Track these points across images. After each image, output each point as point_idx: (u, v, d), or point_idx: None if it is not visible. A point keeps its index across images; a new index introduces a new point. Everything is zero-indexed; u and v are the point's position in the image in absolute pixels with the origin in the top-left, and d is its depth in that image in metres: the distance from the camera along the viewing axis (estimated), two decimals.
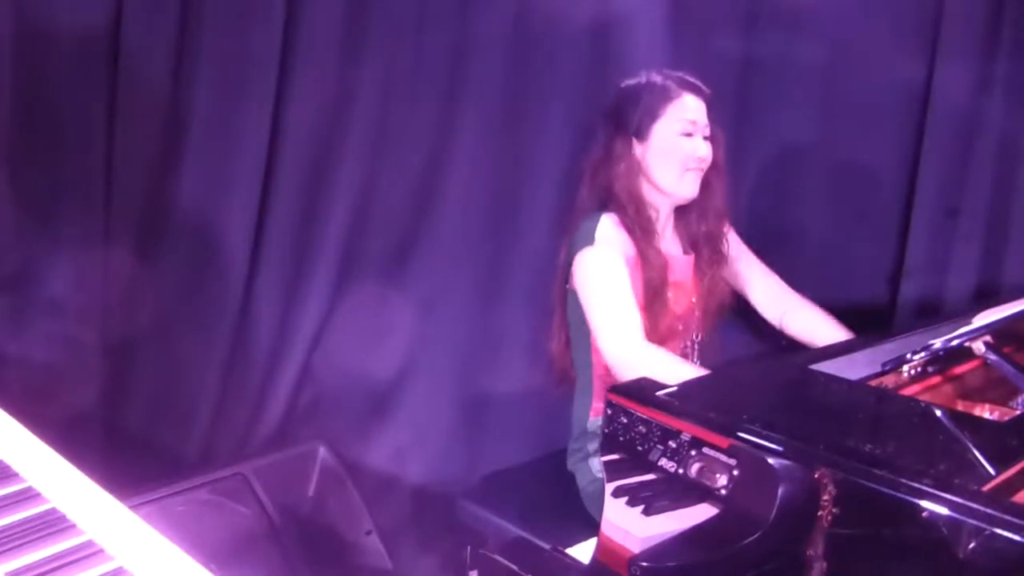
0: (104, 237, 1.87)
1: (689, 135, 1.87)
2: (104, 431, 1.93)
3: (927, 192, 2.32)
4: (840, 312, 2.48)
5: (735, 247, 2.06)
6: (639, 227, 1.86)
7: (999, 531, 1.01)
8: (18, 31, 1.70)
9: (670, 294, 1.89)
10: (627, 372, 1.71)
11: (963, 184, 2.30)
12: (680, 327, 1.94)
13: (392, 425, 2.32)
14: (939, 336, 1.55)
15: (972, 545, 1.03)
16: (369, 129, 2.13)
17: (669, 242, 1.97)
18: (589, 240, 1.83)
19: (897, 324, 2.32)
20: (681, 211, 1.98)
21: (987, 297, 2.18)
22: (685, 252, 1.99)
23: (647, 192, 1.91)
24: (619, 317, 1.78)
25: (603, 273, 1.82)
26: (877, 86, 2.33)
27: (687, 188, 1.89)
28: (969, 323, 1.59)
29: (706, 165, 1.90)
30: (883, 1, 2.30)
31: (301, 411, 2.22)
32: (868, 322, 2.41)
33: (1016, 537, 1.00)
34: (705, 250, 1.98)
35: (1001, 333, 1.62)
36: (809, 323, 2.03)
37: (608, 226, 1.85)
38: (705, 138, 1.89)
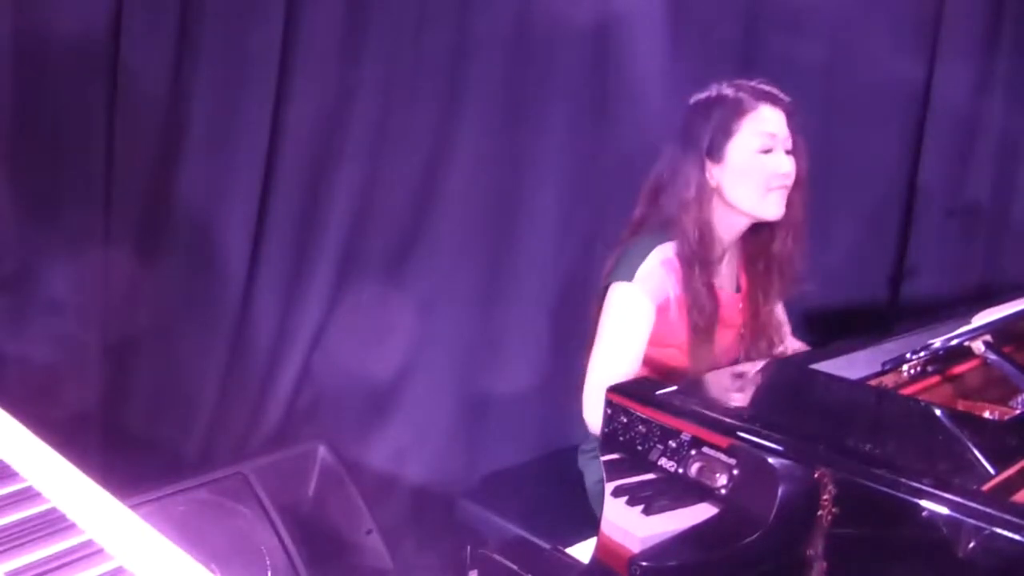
0: (104, 237, 1.87)
1: (769, 151, 1.71)
2: (104, 431, 1.93)
3: (927, 192, 2.32)
4: (840, 312, 2.48)
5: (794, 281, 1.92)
6: (698, 260, 1.72)
7: (999, 531, 1.01)
8: (18, 31, 1.70)
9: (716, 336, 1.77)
10: (592, 418, 1.69)
11: (963, 184, 2.30)
12: (722, 365, 1.84)
13: (392, 425, 2.32)
14: (939, 336, 1.55)
15: (972, 545, 1.03)
16: (369, 129, 2.13)
17: (723, 275, 1.83)
18: (629, 274, 1.71)
19: (897, 324, 2.32)
20: (752, 232, 1.82)
21: (987, 297, 2.18)
22: (737, 289, 1.87)
23: (722, 216, 1.76)
24: (614, 365, 1.70)
25: (623, 316, 1.71)
26: (877, 86, 2.33)
27: (772, 209, 1.72)
28: (969, 323, 1.59)
29: (791, 181, 1.73)
30: (883, 1, 2.30)
31: (301, 411, 2.22)
32: (868, 322, 2.42)
33: (1016, 537, 1.00)
34: (771, 274, 1.84)
35: (1001, 333, 1.62)
36: None
37: (654, 263, 1.72)
38: (787, 152, 1.73)
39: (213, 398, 2.06)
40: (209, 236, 2.00)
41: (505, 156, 2.29)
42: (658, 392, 1.40)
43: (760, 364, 1.93)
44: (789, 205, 1.75)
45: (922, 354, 1.54)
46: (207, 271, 2.02)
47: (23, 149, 1.76)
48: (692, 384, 1.51)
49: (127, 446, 1.95)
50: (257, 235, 2.05)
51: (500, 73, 2.24)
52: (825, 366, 1.56)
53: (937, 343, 1.54)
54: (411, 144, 2.20)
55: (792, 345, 2.03)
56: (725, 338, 1.85)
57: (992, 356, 1.56)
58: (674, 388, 1.43)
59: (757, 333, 1.87)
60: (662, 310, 1.75)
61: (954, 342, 1.55)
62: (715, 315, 1.75)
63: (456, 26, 2.18)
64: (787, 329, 2.03)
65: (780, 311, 1.99)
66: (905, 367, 1.57)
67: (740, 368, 1.98)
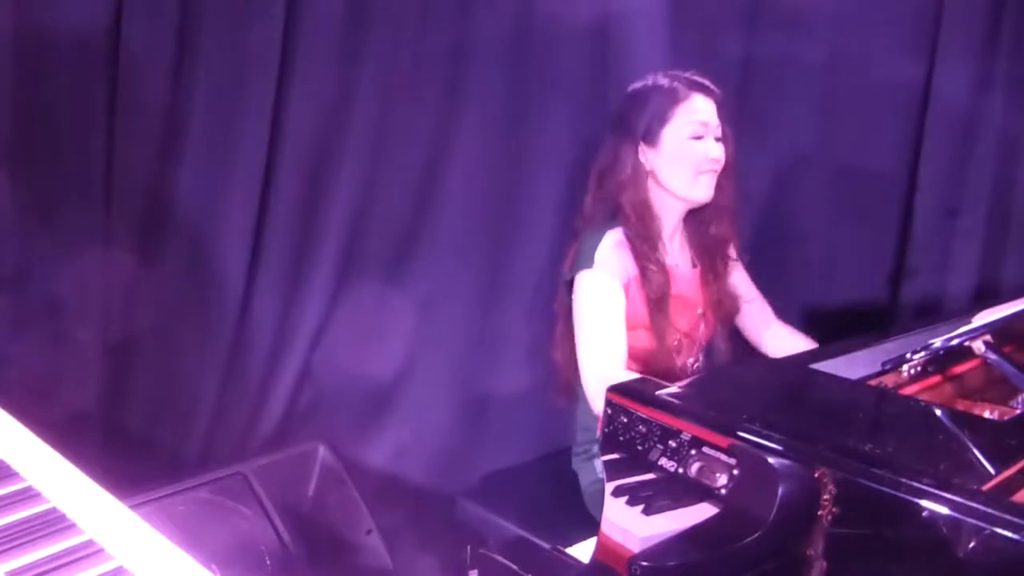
0: (104, 237, 1.88)
1: (700, 137, 1.82)
2: (104, 431, 1.93)
3: (927, 192, 2.32)
4: (840, 312, 2.48)
5: (733, 258, 2.02)
6: (643, 239, 1.82)
7: (999, 530, 1.01)
8: (18, 31, 1.71)
9: (672, 310, 1.84)
10: (599, 403, 1.71)
11: (963, 184, 2.30)
12: (686, 342, 1.91)
13: (392, 425, 2.32)
14: (939, 336, 1.55)
15: (972, 545, 1.03)
16: (369, 129, 2.13)
17: (677, 254, 1.93)
18: (589, 261, 1.79)
19: (897, 324, 2.32)
20: (691, 216, 1.93)
21: (987, 297, 2.18)
22: (694, 265, 1.95)
23: (658, 199, 1.86)
24: (602, 348, 1.76)
25: (595, 300, 1.79)
26: (877, 86, 2.33)
27: (701, 191, 1.84)
28: (969, 323, 1.59)
29: (720, 167, 1.84)
30: (883, 1, 2.30)
31: (301, 411, 2.22)
32: (868, 322, 2.42)
33: (1016, 536, 1.00)
34: (712, 255, 1.94)
35: (1001, 332, 1.62)
36: (788, 348, 1.98)
37: (609, 246, 1.80)
38: (717, 139, 1.84)
39: (213, 398, 2.07)
40: (209, 236, 2.00)
41: (505, 156, 2.29)
42: (658, 392, 1.40)
43: (760, 364, 1.93)
44: (719, 189, 1.87)
45: (922, 354, 1.54)
46: (207, 271, 2.02)
47: (23, 149, 1.76)
48: (692, 384, 1.50)
49: (127, 446, 1.95)
50: (257, 235, 2.05)
51: (500, 73, 2.24)
52: (825, 366, 1.56)
53: (937, 343, 1.54)
54: (411, 144, 2.20)
55: (780, 329, 2.06)
56: (687, 317, 1.90)
57: (992, 356, 1.56)
58: (674, 388, 1.43)
59: (715, 308, 1.95)
60: (624, 290, 1.81)
61: (954, 342, 1.55)
62: (666, 287, 1.83)
63: (456, 26, 2.18)
64: (763, 306, 2.06)
65: (741, 286, 2.03)
66: (905, 367, 1.57)
67: (740, 368, 1.98)
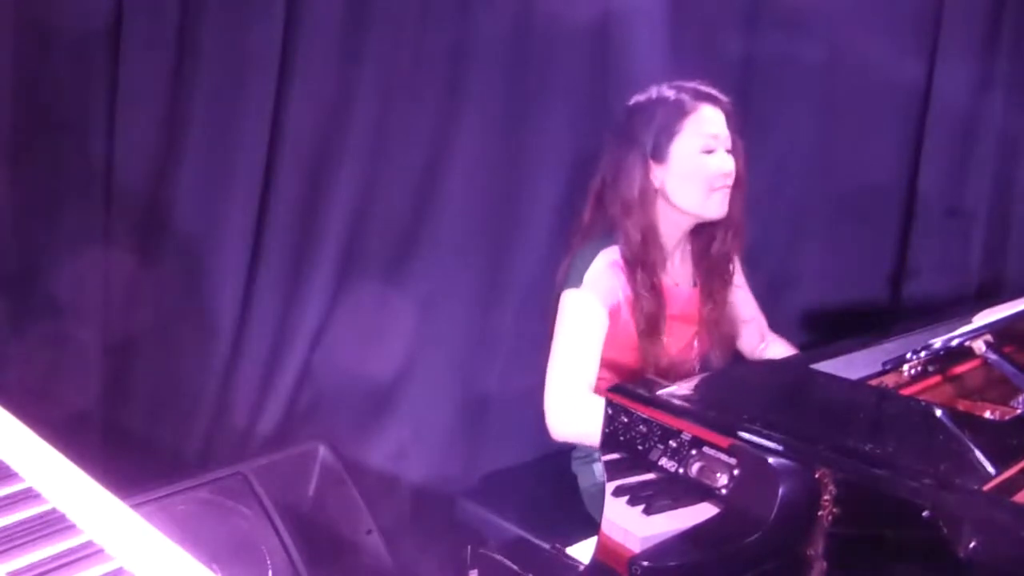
0: (104, 237, 1.87)
1: (711, 151, 1.73)
2: (104, 431, 1.93)
3: (927, 192, 2.32)
4: (840, 312, 2.48)
5: (737, 276, 1.96)
6: (641, 262, 1.75)
7: (999, 531, 1.01)
8: (18, 30, 1.70)
9: (665, 336, 1.79)
10: (556, 423, 1.71)
11: (963, 184, 2.30)
12: (678, 361, 1.87)
13: (392, 425, 2.31)
14: (939, 336, 1.56)
15: (972, 545, 1.03)
16: (369, 129, 2.13)
17: (677, 271, 1.86)
18: (578, 280, 1.73)
19: (897, 324, 2.33)
20: (697, 231, 1.85)
21: (987, 297, 2.18)
22: (694, 283, 1.89)
23: (665, 217, 1.78)
24: (570, 370, 1.71)
25: (574, 325, 1.73)
26: (877, 86, 2.33)
27: (715, 208, 1.75)
28: (969, 323, 1.59)
29: (732, 181, 1.75)
30: (883, 1, 2.30)
31: (301, 411, 2.21)
32: (868, 322, 2.42)
33: (1016, 537, 1.00)
34: (714, 274, 1.87)
35: (1001, 333, 1.62)
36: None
37: (600, 268, 1.74)
38: (728, 151, 1.75)
39: (213, 398, 2.06)
40: (209, 236, 2.00)
41: (505, 156, 2.29)
42: (659, 392, 1.40)
43: (760, 364, 1.93)
44: (730, 204, 1.78)
45: (922, 354, 1.54)
46: (207, 271, 2.02)
47: (23, 149, 1.76)
48: (693, 384, 1.51)
49: (127, 446, 1.95)
50: (257, 235, 2.05)
51: (500, 73, 2.24)
52: (825, 366, 1.56)
53: (937, 343, 1.54)
54: (411, 144, 2.20)
55: (772, 342, 2.04)
56: (683, 335, 1.86)
57: (993, 356, 1.57)
58: (675, 388, 1.43)
59: (711, 330, 1.88)
60: (614, 313, 1.76)
61: (954, 342, 1.55)
62: (659, 315, 1.77)
63: (456, 26, 2.17)
64: (760, 323, 2.03)
65: (743, 306, 1.99)
66: (905, 367, 1.57)
67: (740, 368, 1.98)
